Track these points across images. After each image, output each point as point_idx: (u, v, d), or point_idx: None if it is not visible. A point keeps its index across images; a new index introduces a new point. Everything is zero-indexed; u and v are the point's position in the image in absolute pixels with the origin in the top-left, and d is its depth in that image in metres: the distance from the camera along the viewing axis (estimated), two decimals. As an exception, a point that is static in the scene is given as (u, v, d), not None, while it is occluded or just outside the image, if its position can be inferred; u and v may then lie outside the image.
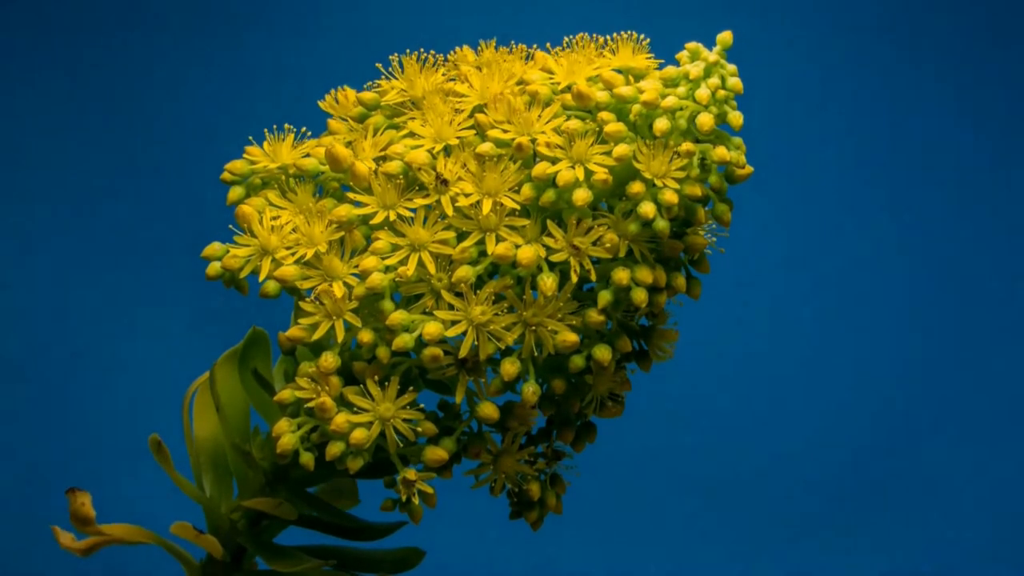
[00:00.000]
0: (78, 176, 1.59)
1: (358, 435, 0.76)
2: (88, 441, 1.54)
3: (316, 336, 0.77)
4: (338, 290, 0.77)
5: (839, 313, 1.65)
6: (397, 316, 0.76)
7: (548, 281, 0.76)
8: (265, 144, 0.84)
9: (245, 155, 0.85)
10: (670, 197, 0.76)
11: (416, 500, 0.78)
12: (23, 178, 1.58)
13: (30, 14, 1.59)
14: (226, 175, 0.84)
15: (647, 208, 0.75)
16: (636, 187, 0.76)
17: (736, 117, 0.78)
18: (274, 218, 0.80)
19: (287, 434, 0.78)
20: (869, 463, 1.62)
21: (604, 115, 0.77)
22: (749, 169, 0.79)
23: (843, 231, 1.66)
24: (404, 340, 0.76)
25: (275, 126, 0.84)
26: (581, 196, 0.76)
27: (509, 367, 0.76)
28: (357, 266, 0.77)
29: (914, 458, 1.62)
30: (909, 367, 1.65)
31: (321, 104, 0.85)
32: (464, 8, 1.46)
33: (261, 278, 0.79)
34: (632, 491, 1.55)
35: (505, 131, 0.78)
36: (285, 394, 0.78)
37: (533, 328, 0.77)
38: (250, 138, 0.85)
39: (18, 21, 1.59)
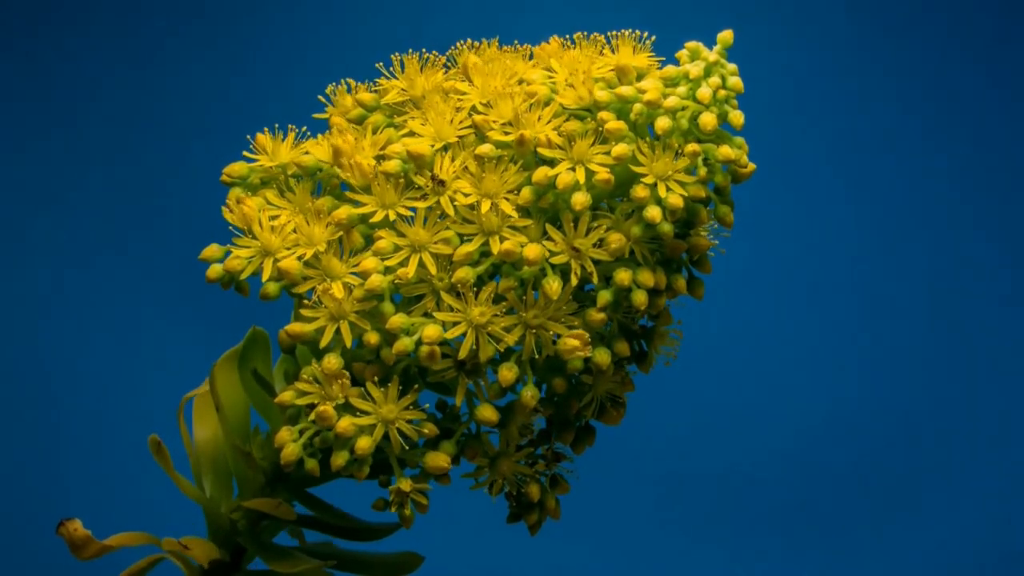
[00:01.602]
0: (77, 176, 1.59)
1: (363, 444, 0.76)
2: (88, 442, 1.54)
3: (324, 342, 0.76)
4: (338, 291, 0.77)
5: (840, 314, 1.64)
6: (397, 320, 0.75)
7: (553, 285, 0.75)
8: (266, 138, 0.84)
9: (248, 151, 0.84)
10: (675, 201, 0.75)
11: (408, 511, 0.78)
12: (22, 178, 1.58)
13: (28, 14, 1.59)
14: (225, 178, 0.84)
15: (653, 212, 0.75)
16: (640, 191, 0.75)
17: (737, 116, 0.77)
18: (273, 217, 0.80)
19: (289, 444, 0.78)
20: (872, 464, 1.62)
21: (604, 115, 0.77)
22: (752, 167, 0.79)
23: (844, 232, 1.65)
24: (404, 344, 0.75)
25: (276, 125, 0.84)
26: (580, 200, 0.75)
27: (507, 373, 0.76)
28: (357, 265, 0.77)
29: (916, 459, 1.62)
30: (911, 367, 1.64)
31: (317, 115, 0.85)
32: (465, 7, 1.46)
33: (264, 278, 0.79)
34: (631, 492, 1.54)
35: (507, 133, 0.78)
36: (286, 396, 0.77)
37: (534, 330, 0.76)
38: (248, 136, 0.84)
39: (17, 21, 1.59)
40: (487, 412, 0.78)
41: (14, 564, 1.47)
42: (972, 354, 1.65)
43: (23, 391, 1.55)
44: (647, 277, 0.77)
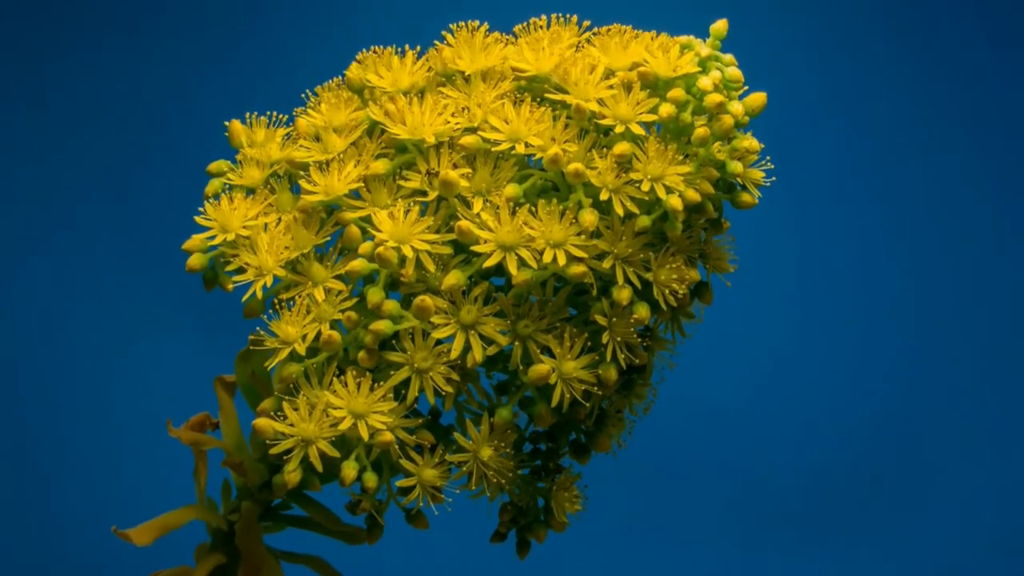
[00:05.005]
0: (77, 176, 1.59)
1: (386, 437, 0.75)
2: (86, 442, 1.55)
3: (307, 343, 0.75)
4: (319, 294, 0.76)
5: (842, 315, 1.64)
6: (390, 305, 0.74)
7: (624, 292, 0.74)
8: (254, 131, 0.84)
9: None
10: (691, 195, 0.74)
11: (381, 519, 0.77)
12: (22, 180, 1.58)
13: (27, 14, 1.59)
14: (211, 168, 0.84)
15: (674, 201, 0.73)
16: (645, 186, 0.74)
17: (737, 107, 0.76)
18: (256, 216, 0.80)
19: (292, 473, 0.76)
20: (872, 466, 1.61)
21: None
22: (757, 145, 0.77)
23: (845, 232, 1.65)
24: (385, 325, 0.74)
25: (273, 115, 0.84)
26: (589, 219, 0.73)
27: (542, 368, 0.74)
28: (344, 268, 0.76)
29: (919, 460, 1.61)
30: (913, 368, 1.64)
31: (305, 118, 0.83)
32: (466, 7, 1.46)
33: (260, 296, 0.78)
34: (628, 494, 1.54)
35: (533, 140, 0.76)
36: (267, 404, 0.77)
37: (524, 339, 0.75)
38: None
39: (16, 21, 1.59)
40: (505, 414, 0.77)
41: (14, 564, 1.48)
42: (973, 356, 1.64)
43: (21, 392, 1.55)
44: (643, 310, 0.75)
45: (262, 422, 0.75)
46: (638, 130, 0.75)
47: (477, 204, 0.75)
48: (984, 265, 1.65)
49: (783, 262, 1.61)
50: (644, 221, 0.74)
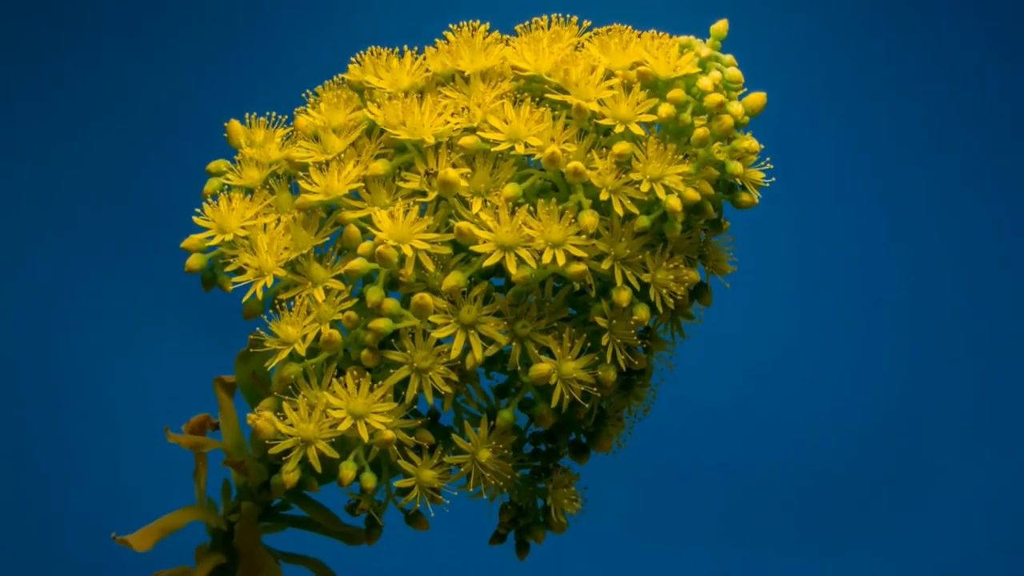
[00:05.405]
0: (77, 176, 1.58)
1: (386, 435, 0.75)
2: (86, 442, 1.54)
3: (307, 343, 0.75)
4: (319, 295, 0.76)
5: (842, 315, 1.63)
6: (389, 303, 0.74)
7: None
8: (254, 132, 0.84)
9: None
10: (691, 195, 0.74)
11: (380, 520, 0.77)
12: (23, 178, 1.58)
13: (27, 14, 1.58)
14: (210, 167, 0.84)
15: (673, 202, 0.73)
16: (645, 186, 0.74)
17: (737, 107, 0.76)
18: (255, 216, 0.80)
19: (290, 473, 0.76)
20: (874, 465, 1.61)
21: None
22: (757, 145, 0.77)
23: (845, 232, 1.64)
24: (384, 323, 0.74)
25: (272, 115, 0.84)
26: (589, 222, 0.73)
27: (543, 368, 0.74)
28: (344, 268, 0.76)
29: (919, 460, 1.61)
30: (913, 368, 1.63)
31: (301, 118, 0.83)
32: (466, 7, 1.46)
33: (260, 296, 0.78)
34: (626, 494, 1.54)
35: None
36: (266, 403, 0.76)
37: (522, 339, 0.75)
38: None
39: (16, 21, 1.58)
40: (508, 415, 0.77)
41: (14, 564, 1.48)
42: (973, 356, 1.63)
43: (21, 392, 1.55)
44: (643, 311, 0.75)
45: (262, 421, 0.75)
46: (638, 130, 0.75)
47: (476, 204, 0.75)
48: (984, 265, 1.65)
49: (783, 262, 1.61)
50: (643, 221, 0.74)
